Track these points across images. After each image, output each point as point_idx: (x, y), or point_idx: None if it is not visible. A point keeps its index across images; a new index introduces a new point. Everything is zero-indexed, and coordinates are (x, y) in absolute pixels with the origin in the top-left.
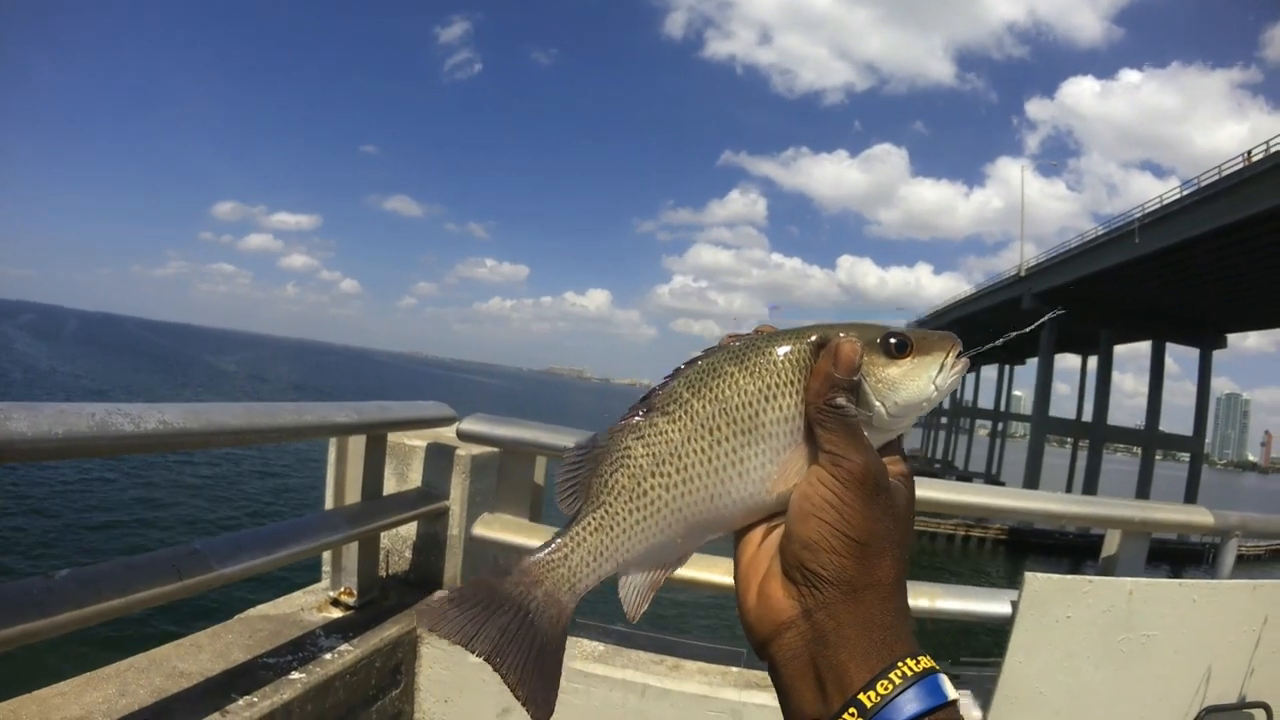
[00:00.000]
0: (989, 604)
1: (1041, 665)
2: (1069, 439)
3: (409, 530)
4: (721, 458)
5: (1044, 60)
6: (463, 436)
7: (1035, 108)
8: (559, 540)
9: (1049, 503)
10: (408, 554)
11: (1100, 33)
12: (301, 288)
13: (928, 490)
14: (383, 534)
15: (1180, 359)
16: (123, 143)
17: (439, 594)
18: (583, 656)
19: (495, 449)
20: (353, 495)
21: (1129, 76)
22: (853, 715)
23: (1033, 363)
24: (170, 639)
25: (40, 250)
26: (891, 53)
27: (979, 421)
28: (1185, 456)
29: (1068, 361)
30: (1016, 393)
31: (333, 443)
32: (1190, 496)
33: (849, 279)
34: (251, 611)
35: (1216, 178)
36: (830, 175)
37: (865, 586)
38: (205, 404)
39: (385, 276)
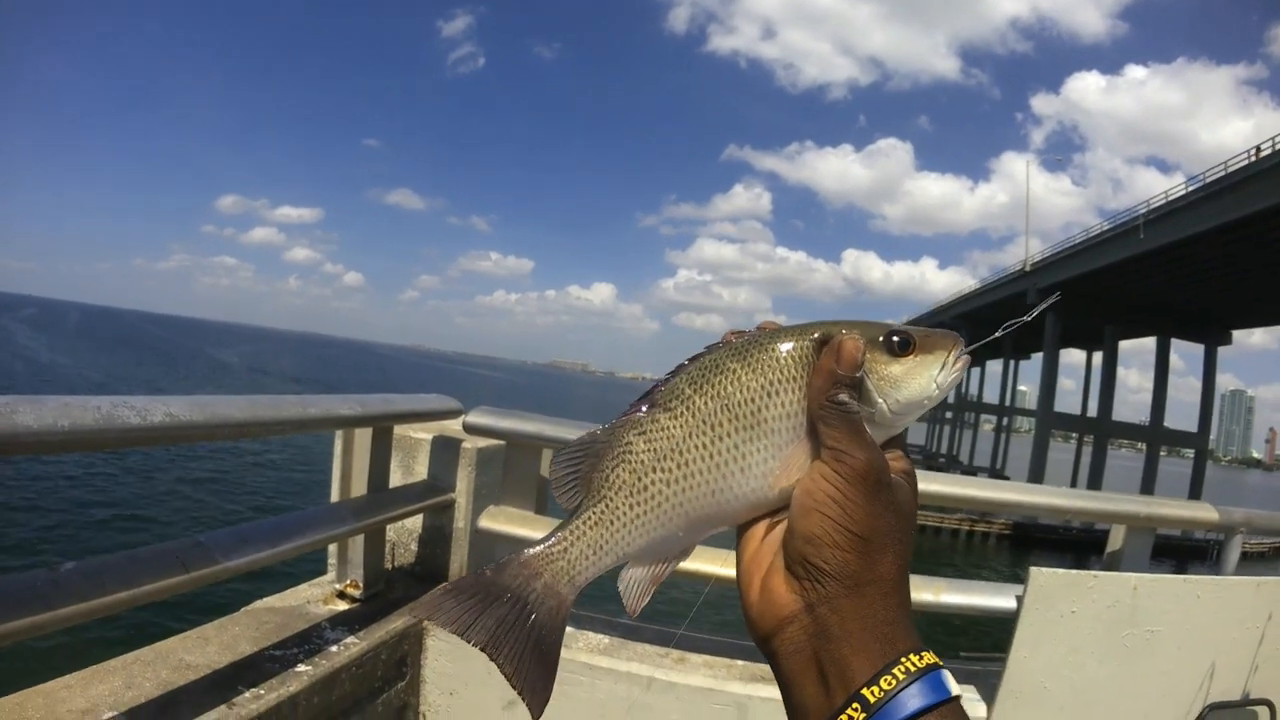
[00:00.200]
0: (993, 599)
1: (1046, 660)
2: (1074, 434)
3: (415, 523)
4: (724, 453)
5: (1048, 56)
6: (468, 429)
7: (1040, 103)
8: (559, 533)
9: (1053, 497)
10: (414, 547)
11: (1104, 29)
12: (304, 281)
13: (932, 484)
14: (388, 527)
15: (1185, 355)
16: (126, 137)
17: (440, 586)
18: (588, 649)
19: (501, 442)
20: (359, 488)
21: (1134, 72)
22: (856, 710)
23: (1038, 358)
24: (175, 634)
25: (42, 244)
26: (895, 48)
27: (984, 416)
28: (1190, 453)
29: (1073, 357)
30: (1022, 388)
31: (339, 435)
32: (1195, 493)
33: (854, 273)
34: (258, 604)
35: (1223, 173)
36: (835, 169)
37: (868, 581)
38: (210, 397)
39: (388, 270)
